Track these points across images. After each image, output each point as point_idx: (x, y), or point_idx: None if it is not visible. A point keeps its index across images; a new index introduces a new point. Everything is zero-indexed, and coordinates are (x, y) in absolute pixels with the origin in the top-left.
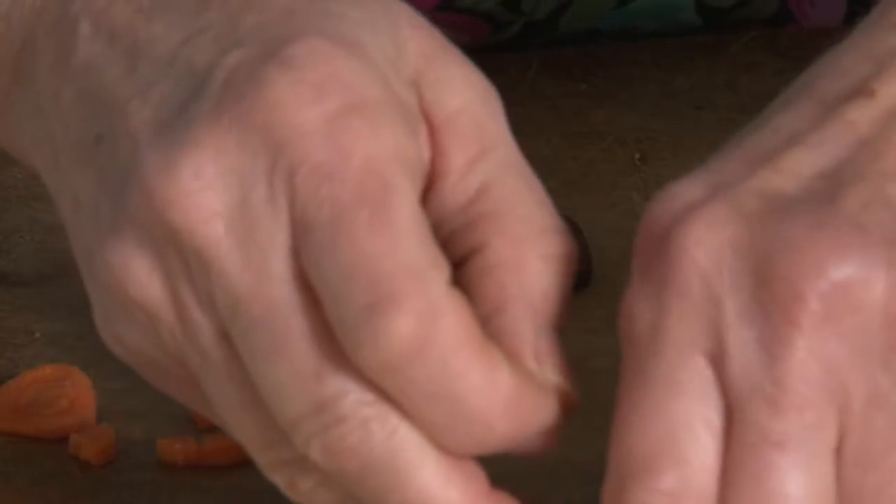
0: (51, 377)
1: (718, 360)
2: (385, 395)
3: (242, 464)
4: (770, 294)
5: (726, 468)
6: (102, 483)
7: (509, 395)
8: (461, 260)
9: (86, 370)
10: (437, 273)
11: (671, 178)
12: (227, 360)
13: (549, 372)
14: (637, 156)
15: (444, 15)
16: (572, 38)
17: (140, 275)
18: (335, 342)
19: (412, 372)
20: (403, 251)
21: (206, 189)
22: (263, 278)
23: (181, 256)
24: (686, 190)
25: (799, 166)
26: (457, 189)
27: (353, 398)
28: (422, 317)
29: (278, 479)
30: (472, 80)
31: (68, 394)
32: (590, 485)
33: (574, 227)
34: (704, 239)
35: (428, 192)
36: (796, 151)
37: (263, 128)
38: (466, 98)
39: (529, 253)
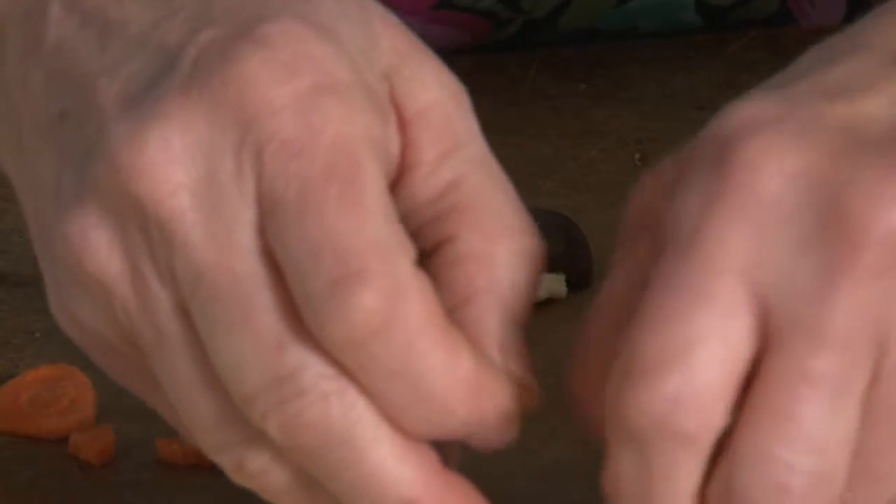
0: (51, 377)
1: (762, 284)
2: (345, 372)
3: None
4: (836, 230)
5: (750, 395)
6: (102, 483)
7: (470, 380)
8: (429, 251)
9: (86, 370)
10: (403, 253)
11: None
12: (183, 336)
13: (513, 364)
14: (637, 156)
15: (443, 13)
16: (572, 37)
17: (98, 247)
18: (298, 317)
19: (375, 348)
20: (371, 229)
21: (173, 161)
22: (228, 251)
23: (143, 229)
24: (762, 105)
25: (878, 111)
26: (427, 182)
27: (314, 372)
28: (387, 294)
29: (225, 461)
30: (444, 79)
31: (68, 394)
32: (589, 485)
33: (574, 227)
34: (777, 159)
35: (397, 185)
36: (874, 97)
37: (233, 103)
38: (438, 95)
39: (500, 247)
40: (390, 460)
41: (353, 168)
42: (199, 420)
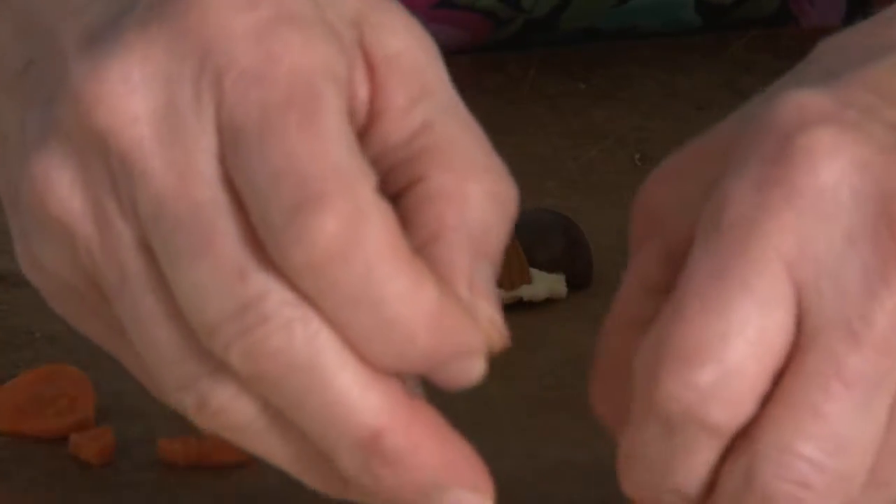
0: (51, 377)
1: (804, 278)
2: (309, 300)
3: (242, 464)
4: (886, 231)
5: (780, 389)
6: (102, 483)
7: (433, 310)
8: (400, 192)
9: (86, 370)
10: (364, 179)
11: None
12: (145, 272)
13: (481, 302)
14: (637, 156)
15: (443, 12)
16: (573, 36)
17: (61, 186)
18: (259, 245)
19: (335, 273)
20: (331, 154)
21: (133, 92)
22: (188, 179)
23: (105, 163)
24: (817, 100)
25: None
26: (399, 125)
27: (276, 299)
28: (348, 217)
29: (188, 401)
30: (413, 28)
31: (68, 394)
32: (590, 486)
33: (574, 227)
34: (835, 153)
35: (368, 130)
36: None
37: (193, 32)
38: (407, 42)
39: (472, 186)
40: (356, 388)
41: (312, 96)
42: (161, 357)
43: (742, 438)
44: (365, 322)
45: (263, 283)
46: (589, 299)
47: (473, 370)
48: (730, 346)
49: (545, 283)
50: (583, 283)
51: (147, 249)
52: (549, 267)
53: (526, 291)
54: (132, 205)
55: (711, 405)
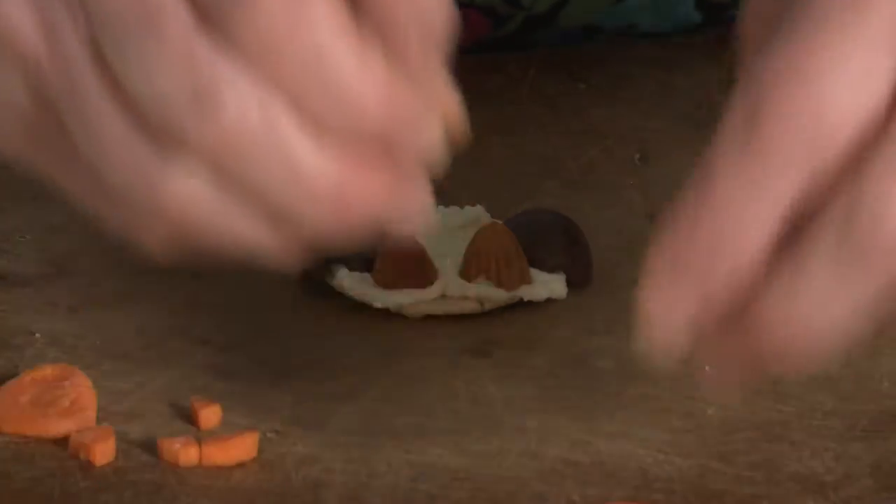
0: (51, 377)
1: None
2: (262, 79)
3: (242, 464)
4: None
5: (887, 139)
6: (102, 483)
7: (384, 84)
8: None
9: (86, 370)
10: None
11: (671, 178)
12: (96, 74)
13: (435, 83)
14: (637, 156)
15: None
16: (572, 35)
17: (10, 7)
18: (212, 32)
19: (284, 48)
20: None
21: None
22: None
23: None
24: None
25: None
26: None
27: (230, 78)
28: None
29: (147, 203)
30: None
31: (68, 394)
32: (590, 485)
33: (574, 227)
34: None
35: None
36: None
37: None
38: None
39: None
40: (313, 155)
41: None
42: (116, 160)
43: (839, 192)
44: (316, 96)
45: (217, 66)
46: (589, 299)
47: (430, 140)
48: (852, 75)
49: (545, 283)
50: (583, 283)
51: (98, 55)
52: (549, 267)
53: (526, 291)
54: (84, 12)
55: (820, 122)
